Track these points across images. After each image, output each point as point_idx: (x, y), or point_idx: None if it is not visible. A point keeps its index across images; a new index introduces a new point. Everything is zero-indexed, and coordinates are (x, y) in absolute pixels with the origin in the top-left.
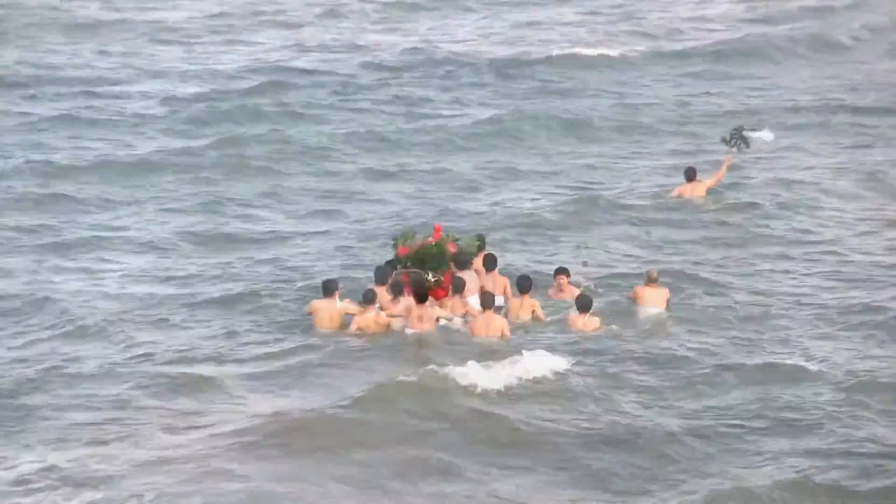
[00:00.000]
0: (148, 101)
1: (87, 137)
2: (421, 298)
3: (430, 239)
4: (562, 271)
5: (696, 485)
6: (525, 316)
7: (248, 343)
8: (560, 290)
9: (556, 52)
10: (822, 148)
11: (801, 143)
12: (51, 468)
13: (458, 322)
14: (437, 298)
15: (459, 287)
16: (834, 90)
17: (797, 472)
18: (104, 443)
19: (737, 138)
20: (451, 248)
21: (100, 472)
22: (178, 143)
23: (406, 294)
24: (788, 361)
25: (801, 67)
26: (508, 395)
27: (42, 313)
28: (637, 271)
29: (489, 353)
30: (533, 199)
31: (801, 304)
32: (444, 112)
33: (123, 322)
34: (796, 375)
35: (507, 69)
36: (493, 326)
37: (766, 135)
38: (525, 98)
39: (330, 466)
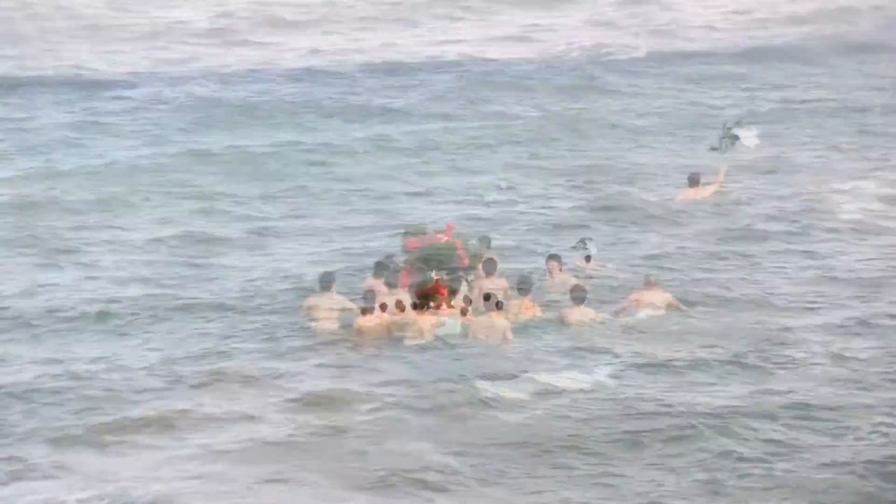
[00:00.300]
0: (149, 101)
1: (87, 138)
2: (422, 304)
3: (441, 236)
4: (554, 257)
5: (701, 485)
6: (525, 317)
7: (247, 343)
8: (552, 276)
9: (560, 52)
10: (829, 149)
11: (807, 144)
12: (50, 468)
13: (457, 322)
14: (440, 295)
15: (458, 286)
16: (844, 90)
17: (805, 472)
18: (103, 442)
19: (726, 141)
20: (460, 248)
21: (98, 471)
22: (178, 144)
23: (403, 289)
24: (794, 362)
25: (815, 67)
26: (509, 395)
27: (40, 314)
28: (638, 274)
29: (490, 355)
30: (536, 201)
31: (806, 305)
32: (447, 113)
33: (121, 323)
34: (802, 375)
35: (511, 70)
36: (496, 329)
37: (751, 139)
38: (530, 99)
39: (330, 466)
